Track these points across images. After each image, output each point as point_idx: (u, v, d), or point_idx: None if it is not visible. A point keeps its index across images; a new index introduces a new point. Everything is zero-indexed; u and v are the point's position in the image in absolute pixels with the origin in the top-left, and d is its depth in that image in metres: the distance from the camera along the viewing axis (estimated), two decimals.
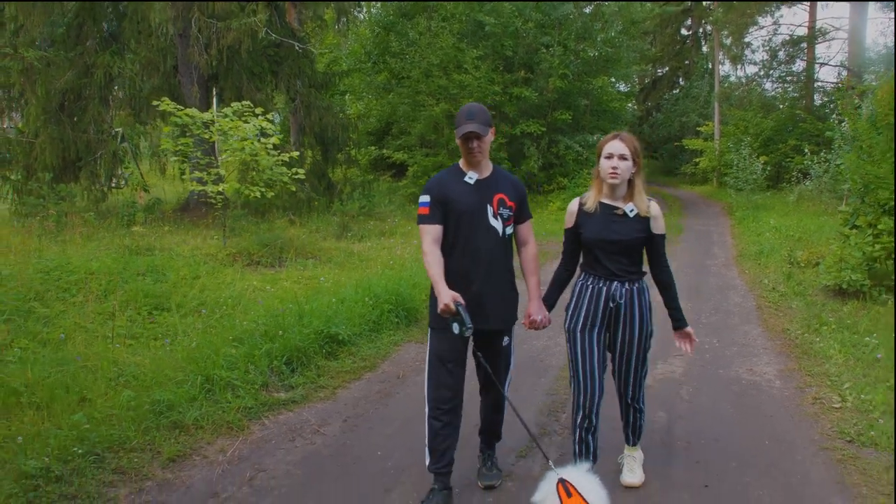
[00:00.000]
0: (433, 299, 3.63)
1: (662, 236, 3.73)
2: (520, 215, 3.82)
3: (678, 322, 3.82)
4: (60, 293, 7.35)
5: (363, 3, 25.73)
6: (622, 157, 3.58)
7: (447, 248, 3.66)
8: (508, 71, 21.29)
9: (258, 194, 10.85)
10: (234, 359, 5.46)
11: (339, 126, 17.56)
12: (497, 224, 3.67)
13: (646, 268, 3.81)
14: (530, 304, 3.83)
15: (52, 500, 3.57)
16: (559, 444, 4.60)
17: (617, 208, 3.67)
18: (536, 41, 21.22)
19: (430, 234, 3.61)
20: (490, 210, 3.65)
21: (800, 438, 4.72)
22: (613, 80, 25.55)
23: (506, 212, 3.70)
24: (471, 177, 3.68)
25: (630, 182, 3.67)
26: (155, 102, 10.97)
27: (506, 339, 3.83)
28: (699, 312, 8.52)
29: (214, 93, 16.91)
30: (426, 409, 3.73)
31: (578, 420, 3.74)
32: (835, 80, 29.40)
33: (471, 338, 3.62)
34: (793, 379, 5.97)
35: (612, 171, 3.59)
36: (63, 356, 5.36)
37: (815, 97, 29.89)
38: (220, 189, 10.49)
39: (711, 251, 14.03)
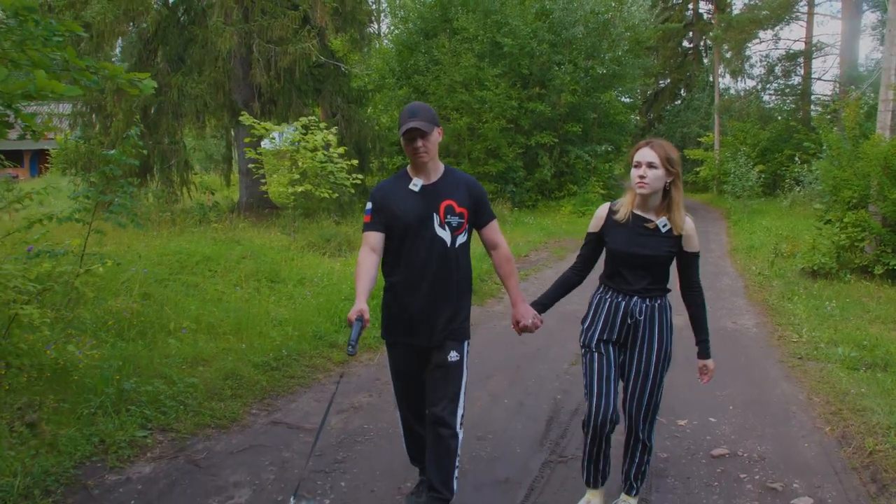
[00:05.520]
0: (382, 310, 3.58)
1: (696, 255, 3.47)
2: (479, 218, 3.54)
3: (702, 352, 3.66)
4: (191, 269, 9.31)
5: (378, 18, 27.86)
6: (651, 166, 3.29)
7: (392, 259, 3.47)
8: (524, 87, 23.25)
9: (326, 195, 12.87)
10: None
11: (374, 137, 19.59)
12: (445, 234, 3.40)
13: (671, 285, 3.58)
14: (515, 308, 3.57)
15: (280, 378, 5.64)
16: None
17: (649, 221, 3.39)
18: (549, 60, 23.22)
19: (367, 242, 3.40)
20: (436, 219, 3.39)
21: (765, 357, 6.74)
22: (619, 91, 27.52)
23: (455, 220, 3.41)
24: (415, 184, 3.42)
25: (666, 193, 3.38)
26: (242, 117, 13.00)
27: (453, 354, 3.45)
28: None
29: (258, 108, 18.94)
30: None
31: (589, 440, 3.51)
32: (828, 94, 31.11)
33: (424, 354, 3.51)
34: (765, 327, 7.99)
35: (639, 180, 3.31)
36: (227, 307, 7.35)
37: (813, 108, 31.33)
38: (298, 190, 12.50)
39: (709, 247, 15.98)
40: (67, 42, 4.73)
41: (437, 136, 3.39)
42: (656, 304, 3.46)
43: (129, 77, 4.71)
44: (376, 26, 33.25)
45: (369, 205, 3.45)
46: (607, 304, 3.51)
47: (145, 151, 8.23)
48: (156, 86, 4.99)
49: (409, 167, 3.50)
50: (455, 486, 3.46)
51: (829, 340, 7.08)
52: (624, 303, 3.45)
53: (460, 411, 3.46)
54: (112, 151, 6.65)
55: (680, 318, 7.84)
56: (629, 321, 3.45)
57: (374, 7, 29.49)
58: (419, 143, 3.30)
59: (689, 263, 3.47)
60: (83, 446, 4.13)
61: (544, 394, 5.58)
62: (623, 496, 3.73)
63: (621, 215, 3.42)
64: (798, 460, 4.38)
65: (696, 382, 5.90)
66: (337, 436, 4.63)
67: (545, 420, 5.02)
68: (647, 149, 3.32)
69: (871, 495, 3.87)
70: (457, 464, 3.46)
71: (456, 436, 3.43)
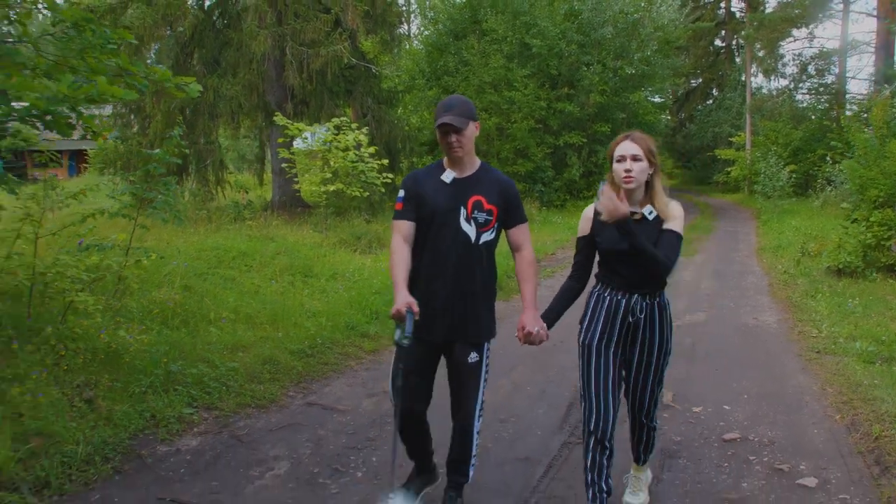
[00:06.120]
0: None
1: (674, 233, 3.31)
2: (508, 219, 3.49)
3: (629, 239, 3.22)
4: (228, 263, 9.68)
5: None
6: (635, 158, 3.27)
7: (417, 247, 3.42)
8: (553, 87, 23.46)
9: (358, 193, 13.22)
10: (382, 302, 7.77)
11: (404, 138, 19.94)
12: (469, 229, 3.38)
13: (677, 294, 3.67)
14: (525, 313, 3.40)
15: (314, 364, 5.99)
16: None
17: (634, 213, 3.32)
18: (578, 60, 23.40)
19: (400, 231, 3.39)
20: (463, 213, 3.38)
21: (784, 351, 6.94)
22: (650, 90, 27.61)
23: (482, 216, 3.39)
24: (447, 175, 3.42)
25: (648, 185, 3.37)
26: (276, 118, 13.40)
27: (473, 355, 3.45)
28: (722, 288, 10.64)
29: (291, 108, 19.37)
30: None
31: (591, 444, 3.44)
32: (864, 93, 30.80)
33: (442, 351, 3.49)
34: (786, 323, 8.16)
35: (626, 174, 3.27)
36: (263, 299, 7.68)
37: (849, 108, 30.87)
38: (330, 189, 12.86)
39: (737, 246, 16.12)
40: (120, 49, 5.08)
41: (472, 130, 3.36)
42: (655, 302, 3.41)
43: (177, 81, 5.06)
44: (406, 27, 33.67)
45: (401, 192, 3.45)
46: (606, 302, 3.44)
47: (187, 151, 8.60)
48: (201, 90, 5.33)
49: (444, 159, 3.48)
50: (472, 473, 3.62)
51: (849, 336, 7.22)
52: (624, 301, 3.39)
53: (479, 410, 3.52)
54: (156, 151, 6.99)
55: (701, 314, 8.04)
56: (630, 319, 3.39)
57: (403, 8, 29.90)
58: (453, 137, 3.30)
59: (665, 238, 3.28)
60: (136, 421, 4.51)
61: (565, 382, 5.82)
62: (634, 468, 3.85)
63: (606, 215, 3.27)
64: (807, 445, 4.59)
65: (712, 373, 6.15)
66: (369, 417, 4.95)
67: (565, 406, 5.27)
68: (628, 142, 3.31)
69: (873, 476, 4.08)
70: (474, 451, 3.57)
71: (475, 434, 3.54)
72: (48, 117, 4.35)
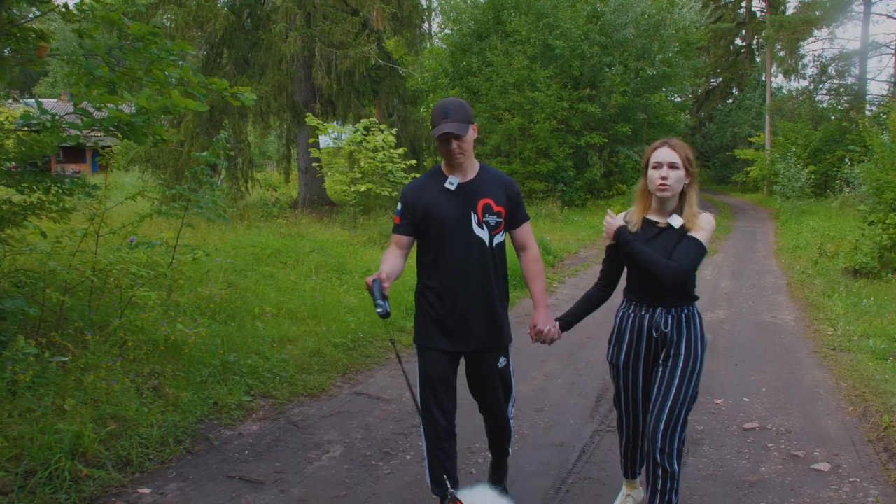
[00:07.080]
0: (417, 314, 3.55)
1: (695, 241, 3.14)
2: (513, 219, 3.46)
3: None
4: (265, 261, 10.09)
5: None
6: (672, 166, 3.14)
7: (431, 262, 3.38)
8: (575, 88, 23.72)
9: (387, 192, 13.62)
10: None
11: (428, 137, 20.33)
12: (483, 233, 3.33)
13: (697, 292, 3.36)
14: (536, 312, 3.47)
15: (358, 357, 6.39)
16: None
17: (658, 223, 3.24)
18: (600, 62, 23.65)
19: (398, 244, 3.40)
20: (474, 218, 3.32)
21: (800, 347, 7.24)
22: (671, 90, 27.81)
23: (493, 218, 3.34)
24: (451, 182, 3.33)
25: (682, 194, 3.23)
26: (308, 118, 13.83)
27: (502, 360, 3.49)
28: (740, 287, 10.93)
29: (319, 108, 19.81)
30: (422, 431, 3.50)
31: (623, 444, 3.66)
32: (883, 94, 30.85)
33: (462, 356, 3.48)
34: (803, 321, 8.46)
35: (661, 182, 3.14)
36: (302, 295, 8.08)
37: (869, 109, 30.88)
38: (361, 189, 13.26)
39: (755, 246, 16.37)
40: (179, 59, 5.47)
41: (472, 134, 3.28)
42: (683, 315, 3.27)
43: (234, 90, 5.45)
44: (427, 25, 34.02)
45: (399, 206, 3.39)
46: (631, 318, 3.37)
47: (232, 153, 8.98)
48: (255, 98, 5.71)
49: (442, 164, 3.41)
50: (510, 449, 3.85)
51: (863, 334, 7.52)
52: (648, 315, 3.30)
53: (511, 403, 3.69)
54: (203, 154, 7.34)
55: (721, 312, 8.34)
56: (654, 334, 3.28)
57: (425, 6, 30.26)
58: (454, 144, 3.22)
59: (682, 244, 3.16)
60: (201, 407, 4.93)
61: (594, 375, 6.17)
62: None
63: (634, 224, 3.26)
64: (821, 434, 4.91)
65: (733, 368, 6.49)
66: (412, 405, 5.31)
67: (595, 397, 5.62)
68: (666, 148, 3.17)
69: (882, 462, 4.41)
70: (512, 432, 3.78)
71: (510, 421, 3.71)
72: (126, 127, 4.75)
